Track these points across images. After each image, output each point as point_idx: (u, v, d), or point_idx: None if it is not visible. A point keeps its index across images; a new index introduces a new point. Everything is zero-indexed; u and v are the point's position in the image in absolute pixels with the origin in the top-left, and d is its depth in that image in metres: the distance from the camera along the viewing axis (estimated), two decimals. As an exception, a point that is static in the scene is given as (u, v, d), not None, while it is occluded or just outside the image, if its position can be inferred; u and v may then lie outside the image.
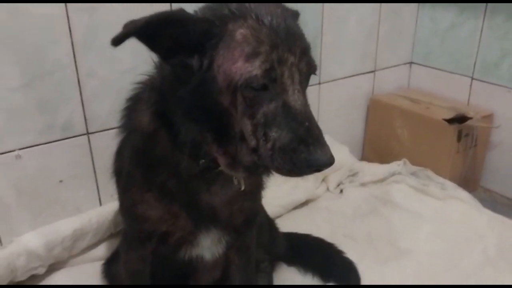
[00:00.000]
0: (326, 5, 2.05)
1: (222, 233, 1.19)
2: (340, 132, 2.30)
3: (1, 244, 1.57)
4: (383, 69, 2.39)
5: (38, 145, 1.56)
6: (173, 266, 1.31)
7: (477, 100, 2.22)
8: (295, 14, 0.99)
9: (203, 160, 1.02)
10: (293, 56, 0.88)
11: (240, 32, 0.87)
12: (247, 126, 0.90)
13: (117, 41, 0.85)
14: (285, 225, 1.75)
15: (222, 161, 0.99)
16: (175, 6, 1.62)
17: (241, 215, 1.19)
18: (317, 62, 1.84)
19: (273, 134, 0.87)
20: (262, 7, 0.90)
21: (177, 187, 1.08)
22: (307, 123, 0.87)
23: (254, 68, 0.85)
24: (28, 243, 1.52)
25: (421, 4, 2.34)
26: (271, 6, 0.92)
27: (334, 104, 2.26)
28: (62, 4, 1.46)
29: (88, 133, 1.64)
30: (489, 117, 2.13)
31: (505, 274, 1.59)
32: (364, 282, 1.54)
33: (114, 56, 1.59)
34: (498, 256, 1.67)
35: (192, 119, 0.95)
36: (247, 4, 0.90)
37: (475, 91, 2.22)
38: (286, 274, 1.64)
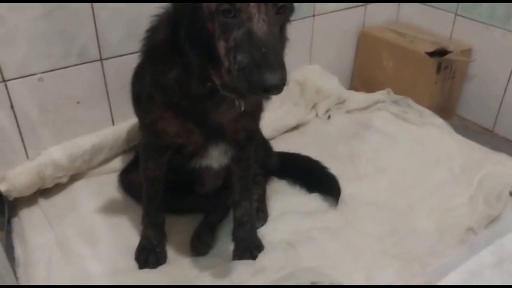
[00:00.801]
0: None
1: (228, 146, 1.40)
2: (331, 62, 2.47)
3: (28, 157, 1.80)
4: (374, 2, 2.50)
5: (58, 69, 1.72)
6: (184, 174, 1.53)
7: (459, 35, 2.36)
8: None
9: (209, 84, 1.19)
10: None
11: None
12: (222, 49, 1.05)
13: None
14: (278, 146, 1.97)
15: (217, 82, 1.15)
16: None
17: (244, 132, 1.40)
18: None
19: (239, 57, 1.01)
20: None
21: (191, 107, 1.25)
22: (264, 49, 0.98)
23: None
24: (54, 155, 1.74)
25: None
26: None
27: (326, 36, 2.40)
28: None
29: (101, 59, 1.79)
30: (468, 51, 2.29)
31: (464, 187, 1.84)
32: (343, 193, 1.77)
33: (124, -12, 1.73)
34: (461, 174, 1.91)
35: (193, 44, 1.11)
36: None
37: (458, 27, 2.36)
38: (277, 186, 1.87)
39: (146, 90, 1.32)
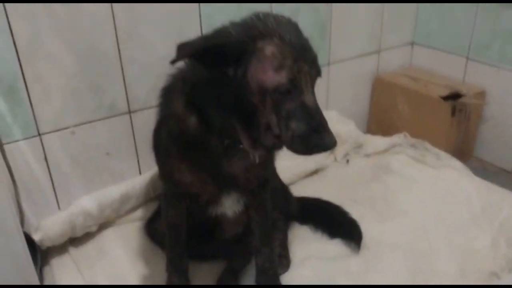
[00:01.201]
0: (335, -7, 2.26)
1: (240, 195, 1.47)
2: (347, 108, 2.54)
3: (59, 207, 1.87)
4: (387, 49, 2.59)
5: (89, 122, 1.82)
6: (203, 222, 1.59)
7: (471, 78, 2.43)
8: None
9: (228, 140, 1.29)
10: (307, 65, 1.14)
11: (268, 49, 1.12)
12: (273, 119, 1.15)
13: (174, 62, 1.15)
14: (298, 191, 2.01)
15: (246, 143, 1.24)
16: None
17: (255, 181, 1.46)
18: (326, 44, 2.12)
19: (293, 125, 1.13)
20: (282, 26, 1.16)
21: (205, 160, 1.34)
22: (318, 117, 1.14)
23: (282, 78, 1.11)
24: (85, 205, 1.81)
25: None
26: (288, 24, 1.18)
27: (341, 82, 2.49)
28: (108, 4, 1.71)
29: (130, 112, 1.90)
30: (481, 94, 2.35)
31: (485, 229, 1.85)
32: (365, 237, 1.80)
33: (152, 46, 1.84)
34: (482, 215, 1.93)
35: (223, 111, 1.21)
36: (269, 24, 1.15)
37: (470, 70, 2.43)
38: (298, 231, 1.90)
39: (162, 143, 1.42)
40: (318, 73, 1.19)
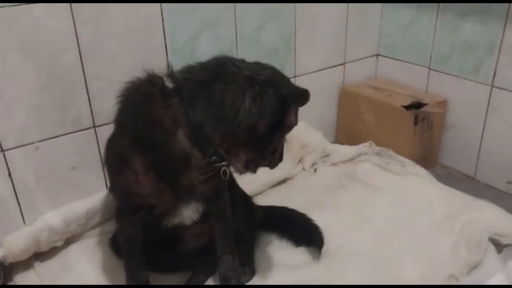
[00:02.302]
0: (298, 6, 2.31)
1: (199, 204, 1.49)
2: (314, 118, 2.56)
3: (24, 223, 1.87)
4: (353, 61, 2.65)
5: (53, 138, 1.82)
6: (161, 233, 1.57)
7: (433, 88, 2.50)
8: None
9: (215, 157, 1.31)
10: None
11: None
12: (280, 148, 1.41)
13: None
14: (265, 200, 2.05)
15: (238, 164, 1.36)
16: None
17: (211, 189, 1.48)
18: (292, 58, 2.18)
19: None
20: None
21: (168, 172, 1.33)
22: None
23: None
24: (50, 220, 1.80)
25: (385, 3, 2.62)
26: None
27: (308, 94, 2.54)
28: (70, 17, 1.72)
29: (95, 126, 1.91)
30: (443, 103, 2.42)
31: (446, 234, 1.89)
32: (329, 244, 1.82)
33: (115, 60, 1.86)
34: (443, 221, 1.96)
35: (232, 136, 1.28)
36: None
37: (432, 80, 2.50)
38: (265, 240, 1.91)
39: (121, 153, 1.37)
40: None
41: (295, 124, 1.39)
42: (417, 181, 2.24)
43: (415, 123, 2.35)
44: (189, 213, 1.50)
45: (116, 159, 1.43)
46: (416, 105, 2.35)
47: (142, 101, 1.35)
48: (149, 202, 1.42)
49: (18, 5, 1.61)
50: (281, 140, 1.42)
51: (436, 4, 2.37)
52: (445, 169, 2.54)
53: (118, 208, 1.56)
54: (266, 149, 1.37)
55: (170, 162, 1.32)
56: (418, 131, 2.38)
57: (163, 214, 1.47)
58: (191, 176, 1.36)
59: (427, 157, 2.49)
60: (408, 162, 2.35)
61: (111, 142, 1.48)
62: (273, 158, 1.43)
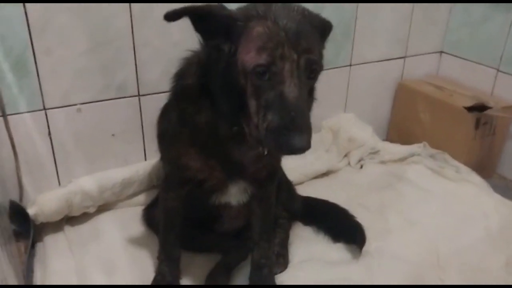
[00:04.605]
0: (362, -9, 2.18)
1: (247, 184, 1.42)
2: (366, 112, 2.45)
3: (59, 184, 1.85)
4: (414, 55, 2.49)
5: (96, 102, 1.80)
6: (203, 211, 1.54)
7: (501, 92, 2.30)
8: (316, 18, 1.17)
9: (236, 127, 1.22)
10: (295, 53, 1.05)
11: (257, 30, 1.07)
12: (252, 106, 1.10)
13: (169, 16, 1.09)
14: (306, 191, 1.95)
15: (246, 129, 1.18)
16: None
17: (264, 171, 1.41)
18: (349, 45, 2.04)
19: (269, 116, 1.06)
20: (283, 11, 1.10)
21: (215, 146, 1.29)
22: (293, 113, 1.04)
23: (260, 60, 1.05)
24: (84, 184, 1.78)
25: (456, -2, 2.44)
26: (292, 10, 1.12)
27: (363, 85, 2.40)
28: (125, -18, 1.68)
29: (139, 95, 1.87)
30: (509, 108, 2.22)
31: (500, 249, 1.73)
32: (370, 244, 1.71)
33: (166, 30, 1.80)
34: (498, 234, 1.81)
35: (224, 93, 1.16)
36: (273, 7, 1.10)
37: (500, 83, 2.31)
38: (301, 232, 1.83)
39: (171, 128, 1.37)
40: (309, 64, 1.09)
41: (254, 64, 1.07)
42: (472, 190, 2.07)
43: (476, 127, 2.17)
44: (236, 193, 1.43)
45: (166, 130, 1.42)
46: (479, 108, 2.17)
47: (178, 76, 1.36)
48: (199, 176, 1.37)
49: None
50: (249, 93, 1.11)
51: (514, 1, 2.17)
52: (503, 180, 2.35)
53: (166, 178, 1.52)
54: (246, 105, 1.13)
55: (206, 135, 1.28)
56: (479, 136, 2.20)
57: (212, 190, 1.42)
58: (239, 152, 1.30)
59: (485, 166, 2.30)
60: (464, 168, 2.18)
61: (164, 113, 1.45)
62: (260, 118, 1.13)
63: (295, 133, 1.02)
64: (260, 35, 1.07)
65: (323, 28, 1.20)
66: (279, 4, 1.13)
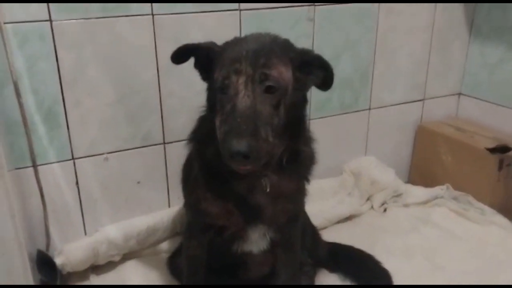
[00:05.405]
0: (379, 35, 2.23)
1: (267, 229, 1.41)
2: (387, 155, 2.45)
3: (85, 233, 1.87)
4: (432, 98, 2.51)
5: (123, 151, 1.84)
6: (228, 259, 1.53)
7: (522, 132, 2.31)
8: (287, 45, 1.26)
9: None
10: (251, 69, 1.13)
11: (227, 53, 1.19)
12: (217, 122, 1.17)
13: (171, 58, 1.30)
14: (329, 237, 1.93)
15: None
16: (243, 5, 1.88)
17: (284, 215, 1.41)
18: (368, 89, 2.05)
19: (222, 128, 1.14)
20: (254, 37, 1.23)
21: (230, 189, 1.31)
22: (239, 119, 1.08)
23: (220, 75, 1.16)
24: (110, 233, 1.80)
25: (471, 39, 2.47)
26: (264, 36, 1.23)
27: (382, 129, 2.42)
28: (152, 36, 1.75)
29: (164, 143, 1.90)
30: (532, 149, 2.22)
31: (533, 296, 1.69)
32: (398, 292, 1.69)
33: (190, 79, 1.85)
34: (529, 279, 1.77)
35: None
36: (248, 36, 1.24)
37: (521, 124, 2.31)
38: (327, 279, 1.80)
39: (192, 173, 1.40)
40: (265, 78, 1.14)
41: (215, 80, 1.20)
42: (498, 232, 2.04)
43: (500, 168, 2.15)
44: (257, 239, 1.43)
45: (188, 177, 1.46)
46: (502, 149, 2.16)
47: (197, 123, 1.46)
48: (218, 222, 1.38)
49: (102, 17, 1.65)
50: (220, 109, 1.17)
51: (530, 43, 2.20)
52: (530, 222, 2.30)
53: (188, 226, 1.54)
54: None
55: (220, 179, 1.31)
56: (503, 178, 2.18)
57: (233, 237, 1.43)
58: (254, 195, 1.32)
59: (510, 207, 2.26)
60: (488, 210, 2.15)
61: (187, 162, 1.49)
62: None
63: (233, 136, 1.06)
64: (227, 56, 1.18)
65: (301, 57, 1.24)
66: (255, 33, 1.26)
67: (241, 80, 1.13)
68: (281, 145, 1.22)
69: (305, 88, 1.27)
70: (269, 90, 1.15)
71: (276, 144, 1.16)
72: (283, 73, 1.18)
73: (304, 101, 1.29)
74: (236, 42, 1.23)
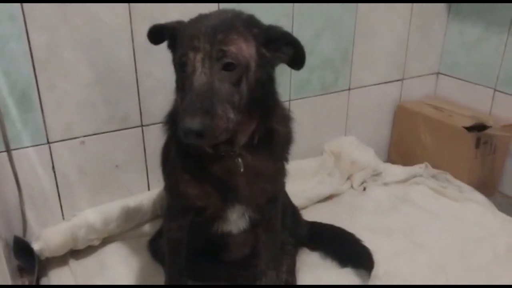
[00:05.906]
0: (359, 15, 2.22)
1: (245, 209, 1.41)
2: (367, 135, 2.47)
3: (63, 218, 1.84)
4: (411, 78, 2.52)
5: (100, 134, 1.80)
6: (208, 240, 1.53)
7: (499, 111, 2.33)
8: (249, 17, 1.22)
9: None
10: (209, 45, 1.10)
11: (187, 31, 1.16)
12: (179, 99, 1.18)
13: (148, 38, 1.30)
14: (310, 216, 1.94)
15: None
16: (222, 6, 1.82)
17: (263, 195, 1.40)
18: (347, 69, 2.03)
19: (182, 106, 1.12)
20: (216, 13, 1.20)
21: (206, 170, 1.30)
22: (194, 97, 1.06)
23: (178, 53, 1.16)
24: (89, 217, 1.77)
25: (450, 18, 2.47)
26: (225, 12, 1.20)
27: (362, 109, 2.43)
28: (127, 15, 1.71)
29: (142, 125, 1.88)
30: (509, 127, 2.24)
31: (509, 269, 1.72)
32: (378, 268, 1.69)
33: (168, 60, 1.81)
34: (506, 254, 1.80)
35: None
36: (211, 12, 1.20)
37: (497, 102, 2.33)
38: (308, 258, 1.81)
39: (171, 156, 1.38)
40: (222, 55, 1.10)
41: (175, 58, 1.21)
42: (476, 209, 2.07)
43: (477, 146, 2.19)
44: (236, 219, 1.42)
45: (167, 160, 1.43)
46: (479, 127, 2.19)
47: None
48: (197, 203, 1.37)
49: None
50: (181, 87, 1.17)
51: (508, 20, 2.21)
52: (506, 198, 2.35)
53: (168, 208, 1.52)
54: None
55: (198, 160, 1.30)
56: (480, 155, 2.21)
57: (212, 218, 1.42)
58: (231, 176, 1.31)
59: (487, 184, 2.31)
60: (466, 187, 2.19)
61: (165, 146, 1.47)
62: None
63: (186, 114, 1.04)
64: (187, 33, 1.15)
65: (266, 33, 1.20)
66: (220, 10, 1.24)
67: (198, 57, 1.10)
68: (248, 123, 1.21)
69: (272, 66, 1.22)
70: (228, 67, 1.11)
71: (239, 121, 1.13)
72: (243, 49, 1.14)
73: (270, 78, 1.24)
74: (197, 19, 1.19)
